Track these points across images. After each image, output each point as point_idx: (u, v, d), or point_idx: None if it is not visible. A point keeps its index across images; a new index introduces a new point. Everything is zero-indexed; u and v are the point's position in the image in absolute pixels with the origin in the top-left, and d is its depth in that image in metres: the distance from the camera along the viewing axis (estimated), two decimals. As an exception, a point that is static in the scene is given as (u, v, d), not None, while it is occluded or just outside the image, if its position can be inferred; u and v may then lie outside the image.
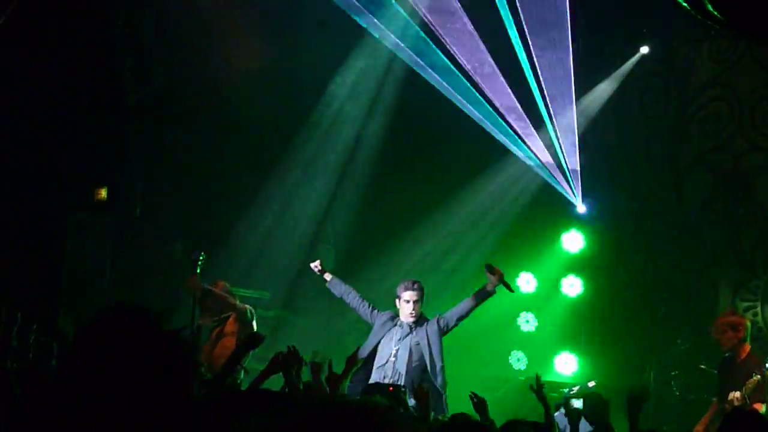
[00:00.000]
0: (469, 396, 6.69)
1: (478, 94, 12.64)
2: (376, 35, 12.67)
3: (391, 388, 7.76)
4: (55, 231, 11.79)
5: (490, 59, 12.43)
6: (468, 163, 13.18)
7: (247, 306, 9.67)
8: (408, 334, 8.79)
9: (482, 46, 12.29)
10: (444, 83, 12.67)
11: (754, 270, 11.90)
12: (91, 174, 12.09)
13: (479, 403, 6.54)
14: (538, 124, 12.73)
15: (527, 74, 12.34)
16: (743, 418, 5.06)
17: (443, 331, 8.84)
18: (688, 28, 11.71)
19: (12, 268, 10.89)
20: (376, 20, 12.36)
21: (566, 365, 12.68)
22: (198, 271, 9.47)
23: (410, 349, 8.71)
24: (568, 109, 12.59)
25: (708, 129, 12.44)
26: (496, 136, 12.82)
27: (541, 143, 12.87)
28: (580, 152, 12.72)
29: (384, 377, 8.59)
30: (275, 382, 6.25)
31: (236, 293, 10.33)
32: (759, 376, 8.29)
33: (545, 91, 12.46)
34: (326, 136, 13.54)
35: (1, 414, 3.28)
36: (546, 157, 12.90)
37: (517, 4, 11.81)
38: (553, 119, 12.62)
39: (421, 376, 8.62)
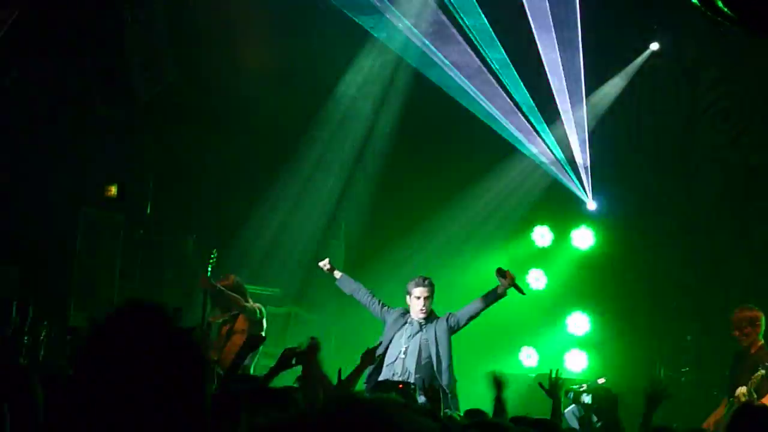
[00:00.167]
0: (490, 375, 6.74)
1: (487, 91, 12.64)
2: (384, 34, 12.69)
3: (400, 386, 7.77)
4: (67, 228, 11.82)
5: (502, 55, 12.44)
6: (478, 160, 13.18)
7: (257, 305, 9.65)
8: (418, 332, 8.78)
9: (495, 42, 12.29)
10: (454, 79, 12.68)
11: (765, 266, 11.87)
12: (102, 170, 12.11)
13: (497, 383, 6.58)
14: (548, 120, 12.73)
15: (537, 70, 12.34)
16: (752, 414, 5.04)
17: (453, 330, 8.85)
18: (698, 24, 11.68)
19: (23, 265, 10.93)
20: (388, 15, 12.39)
21: (577, 361, 12.72)
22: (209, 269, 9.49)
23: (420, 347, 8.70)
24: (578, 106, 12.58)
25: (718, 125, 12.41)
26: (506, 133, 12.82)
27: (552, 140, 12.86)
28: (590, 149, 12.71)
29: (393, 375, 8.58)
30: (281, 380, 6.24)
31: (247, 289, 10.33)
32: (764, 371, 8.24)
33: (555, 88, 12.45)
34: (336, 133, 13.55)
35: (20, 412, 3.29)
36: (556, 153, 12.89)
37: (528, 1, 11.81)
38: (563, 116, 12.61)
39: (431, 373, 8.63)
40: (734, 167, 12.29)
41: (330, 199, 13.68)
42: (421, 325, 8.80)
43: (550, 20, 12.03)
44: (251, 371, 8.68)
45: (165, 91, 12.47)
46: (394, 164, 13.50)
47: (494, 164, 13.32)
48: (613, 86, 12.88)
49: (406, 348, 8.71)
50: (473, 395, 8.28)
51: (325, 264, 9.35)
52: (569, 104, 12.54)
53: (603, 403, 7.04)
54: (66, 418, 2.10)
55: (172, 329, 2.11)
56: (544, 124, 12.79)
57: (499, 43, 12.33)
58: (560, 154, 12.89)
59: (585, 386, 9.19)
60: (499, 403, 6.60)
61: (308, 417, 1.88)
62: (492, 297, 8.86)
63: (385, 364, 8.72)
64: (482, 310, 8.88)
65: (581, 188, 12.86)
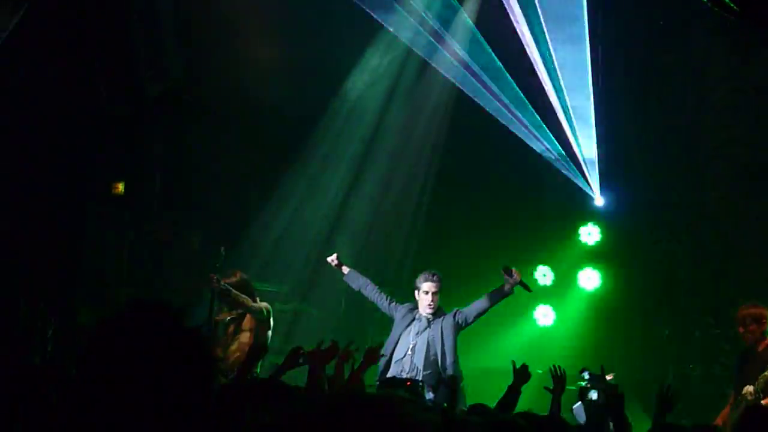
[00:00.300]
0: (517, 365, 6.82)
1: (494, 86, 12.63)
2: (392, 29, 12.67)
3: (408, 383, 7.77)
4: (74, 225, 11.83)
5: (507, 51, 12.44)
6: (484, 155, 13.16)
7: (264, 304, 9.60)
8: (426, 328, 8.79)
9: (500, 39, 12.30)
10: (461, 74, 12.67)
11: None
12: (109, 168, 12.13)
13: (521, 374, 6.64)
14: (555, 116, 12.70)
15: (544, 66, 12.33)
16: (760, 416, 5.02)
17: (460, 327, 8.85)
18: (705, 19, 11.66)
19: (31, 263, 10.94)
20: (396, 11, 12.39)
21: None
22: (217, 266, 9.46)
23: (428, 343, 8.71)
24: (585, 102, 12.55)
25: (726, 120, 12.38)
26: (513, 128, 12.80)
27: (559, 135, 12.84)
28: (597, 145, 12.68)
29: (401, 371, 8.59)
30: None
31: (255, 286, 10.30)
32: None
33: (562, 84, 12.43)
34: (344, 129, 13.55)
35: (33, 412, 3.30)
36: (564, 149, 12.87)
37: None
38: (571, 111, 12.58)
39: (437, 369, 8.63)
40: (742, 163, 12.26)
41: (337, 196, 13.69)
42: (429, 321, 8.81)
43: (558, 17, 12.03)
44: (258, 370, 8.66)
45: (172, 88, 12.48)
46: (401, 161, 13.50)
47: (500, 161, 13.29)
48: (620, 82, 12.79)
49: (414, 345, 8.72)
50: (480, 391, 8.29)
51: (333, 259, 9.37)
52: (576, 100, 12.51)
53: (612, 399, 7.00)
54: (72, 417, 2.10)
55: (179, 328, 2.10)
56: (550, 121, 12.78)
57: (505, 40, 12.33)
58: (567, 151, 12.86)
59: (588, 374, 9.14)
60: (512, 393, 6.61)
61: (314, 413, 1.88)
62: (498, 295, 8.88)
63: (393, 361, 8.72)
64: (489, 307, 8.92)
65: (589, 184, 12.84)
